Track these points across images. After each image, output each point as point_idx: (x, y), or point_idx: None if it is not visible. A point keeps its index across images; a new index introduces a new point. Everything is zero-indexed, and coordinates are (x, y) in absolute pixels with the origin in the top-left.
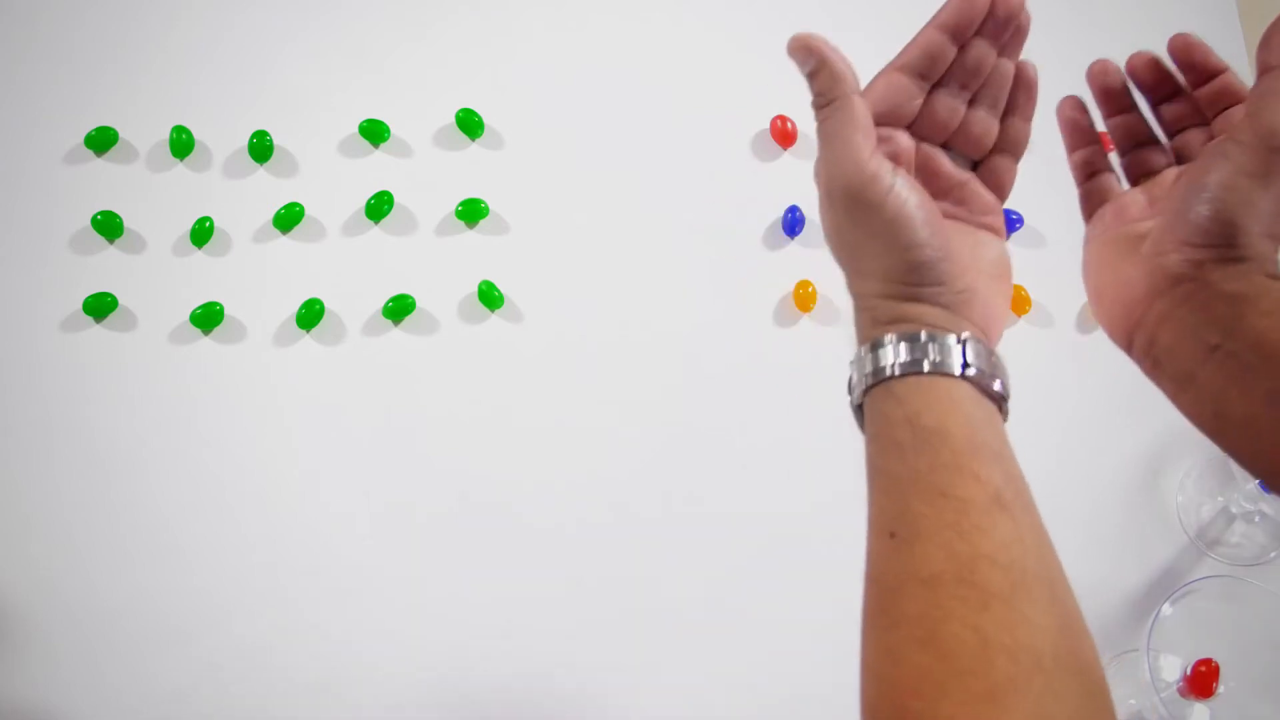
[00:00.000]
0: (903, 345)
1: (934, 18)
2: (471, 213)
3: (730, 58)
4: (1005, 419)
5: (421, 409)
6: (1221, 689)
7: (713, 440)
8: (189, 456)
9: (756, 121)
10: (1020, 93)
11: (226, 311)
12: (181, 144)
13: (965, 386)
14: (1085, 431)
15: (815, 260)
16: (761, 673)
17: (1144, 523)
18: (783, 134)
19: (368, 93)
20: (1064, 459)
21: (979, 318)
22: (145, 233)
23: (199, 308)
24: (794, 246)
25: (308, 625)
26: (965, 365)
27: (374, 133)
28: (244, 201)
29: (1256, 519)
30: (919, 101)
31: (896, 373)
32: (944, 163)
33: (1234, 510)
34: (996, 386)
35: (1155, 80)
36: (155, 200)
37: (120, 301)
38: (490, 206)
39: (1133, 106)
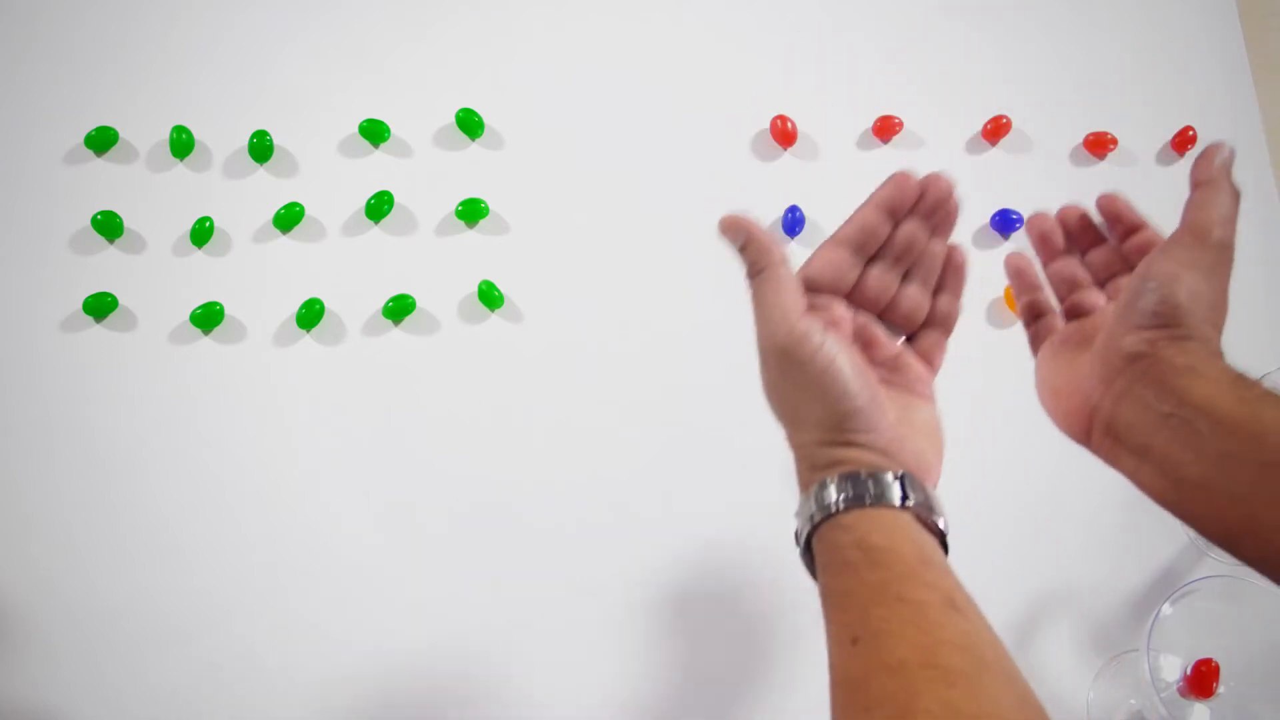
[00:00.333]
0: (844, 484)
1: (870, 197)
2: (471, 213)
3: (730, 58)
4: (946, 554)
5: (421, 409)
6: (1221, 689)
7: (713, 440)
8: (189, 456)
9: (756, 121)
10: (950, 273)
11: (226, 311)
12: (181, 144)
13: (907, 516)
14: None
15: None
16: (762, 671)
17: (1144, 523)
18: (783, 134)
19: (368, 93)
20: (1064, 459)
21: (912, 463)
22: (145, 233)
23: (199, 308)
24: (794, 246)
25: (308, 625)
26: (905, 497)
27: (374, 133)
28: (244, 201)
29: None
30: (855, 274)
31: (841, 507)
32: (878, 333)
33: None
34: (940, 523)
35: (1083, 230)
36: (155, 200)
37: (120, 301)
38: (490, 206)
39: (1068, 253)
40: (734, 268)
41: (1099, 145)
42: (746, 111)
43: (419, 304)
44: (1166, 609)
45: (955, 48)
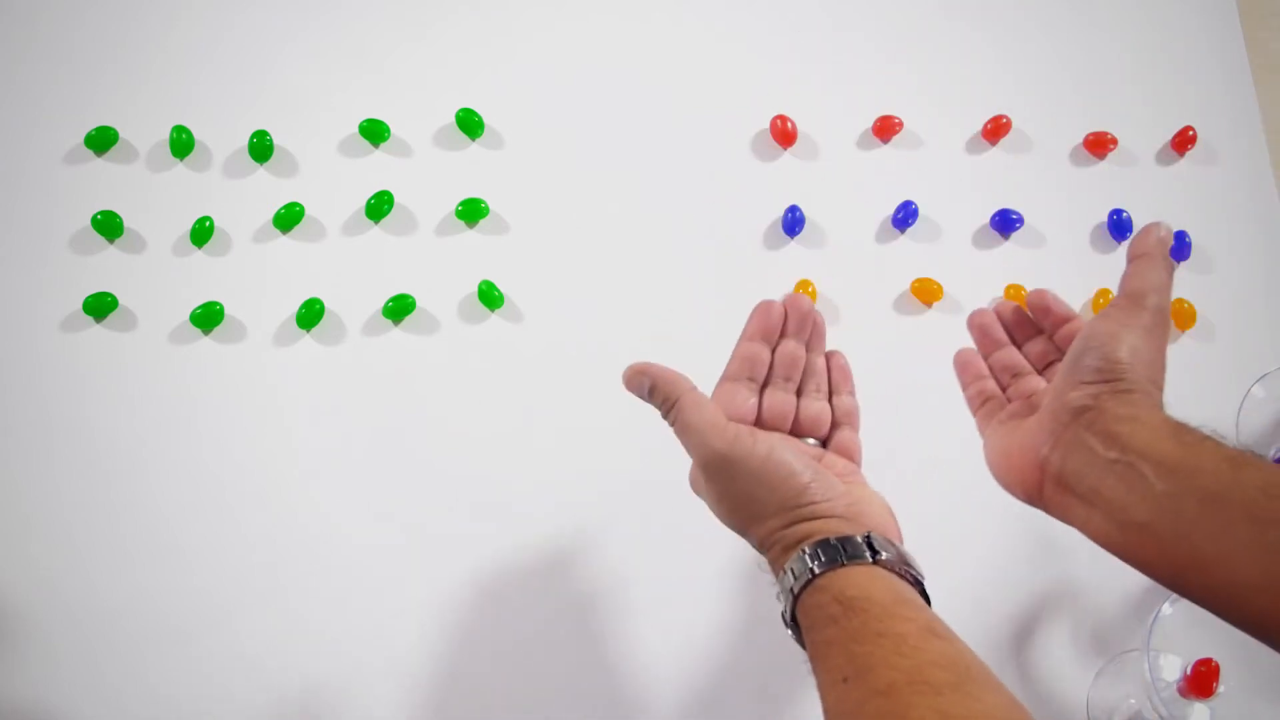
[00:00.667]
0: (816, 551)
1: (743, 331)
2: (471, 213)
3: (730, 58)
4: (928, 603)
5: (421, 409)
6: (1221, 689)
7: None
8: (189, 456)
9: (756, 121)
10: (836, 375)
11: (226, 311)
12: (181, 144)
13: (879, 569)
14: None
15: (815, 260)
16: (764, 670)
17: None
18: (783, 134)
19: (368, 93)
20: None
21: (875, 524)
22: (145, 233)
23: (199, 308)
24: (794, 246)
25: (307, 625)
26: (875, 554)
27: (374, 133)
28: (244, 201)
29: None
30: (754, 402)
31: (818, 572)
32: (798, 446)
33: None
34: (914, 573)
35: (1019, 323)
36: (155, 200)
37: (120, 301)
38: (490, 206)
39: (1007, 344)
40: (735, 267)
41: (1099, 145)
42: (746, 111)
43: (419, 304)
44: (1166, 609)
45: (955, 48)
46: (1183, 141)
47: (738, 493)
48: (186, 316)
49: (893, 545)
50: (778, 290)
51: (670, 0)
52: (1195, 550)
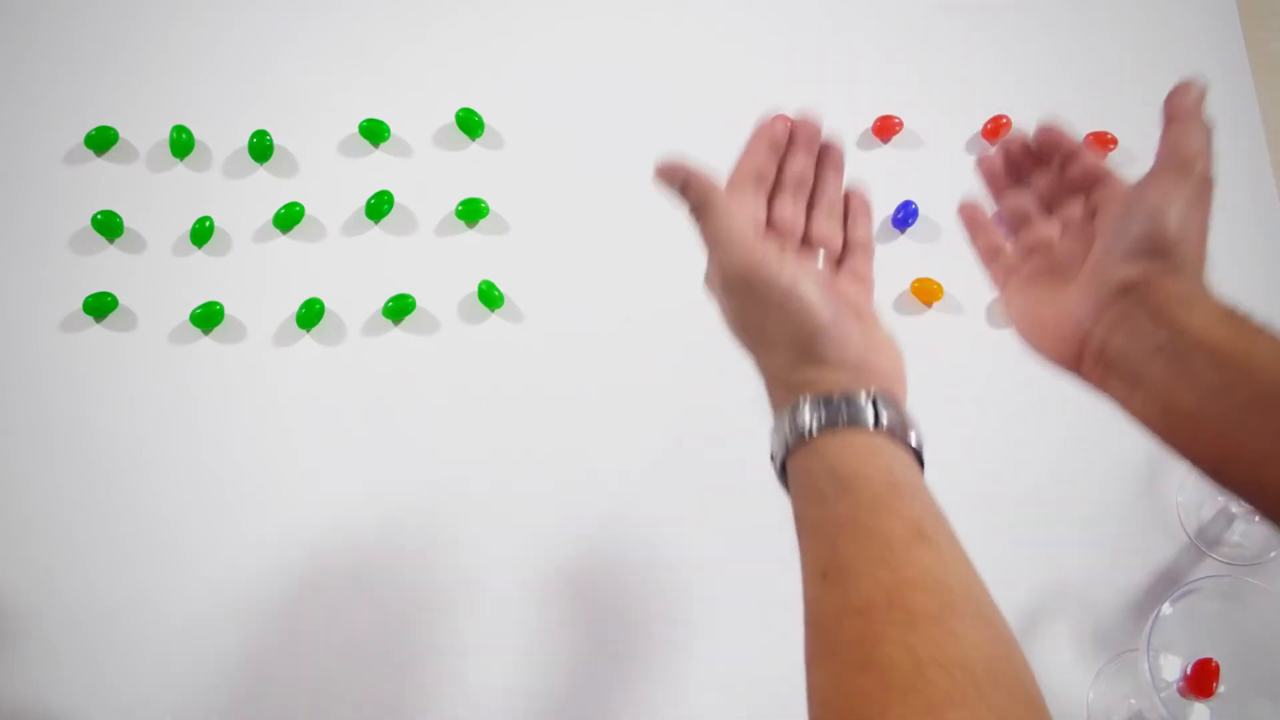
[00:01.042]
0: (818, 406)
1: (744, 147)
2: (471, 213)
3: (730, 58)
4: (922, 469)
5: (422, 409)
6: (1221, 689)
7: (715, 439)
8: (189, 456)
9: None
10: (855, 204)
11: (226, 311)
12: (181, 144)
13: (880, 438)
14: (1085, 431)
15: None
16: (764, 675)
17: (1144, 523)
18: None
19: (368, 93)
20: (1064, 459)
21: (882, 378)
22: (145, 233)
23: (199, 308)
24: None
25: (307, 626)
26: (877, 419)
27: (374, 133)
28: (244, 201)
29: (1256, 519)
30: (763, 211)
31: (814, 431)
32: (805, 257)
33: (1234, 510)
34: (911, 440)
35: (1026, 157)
36: (155, 200)
37: (120, 301)
38: (490, 206)
39: (1017, 187)
40: None
41: (1099, 145)
42: (747, 111)
43: (419, 304)
44: (1166, 609)
45: (955, 48)
46: None
47: (753, 316)
48: (186, 316)
49: (896, 408)
50: None
51: (670, 0)
52: (1241, 446)
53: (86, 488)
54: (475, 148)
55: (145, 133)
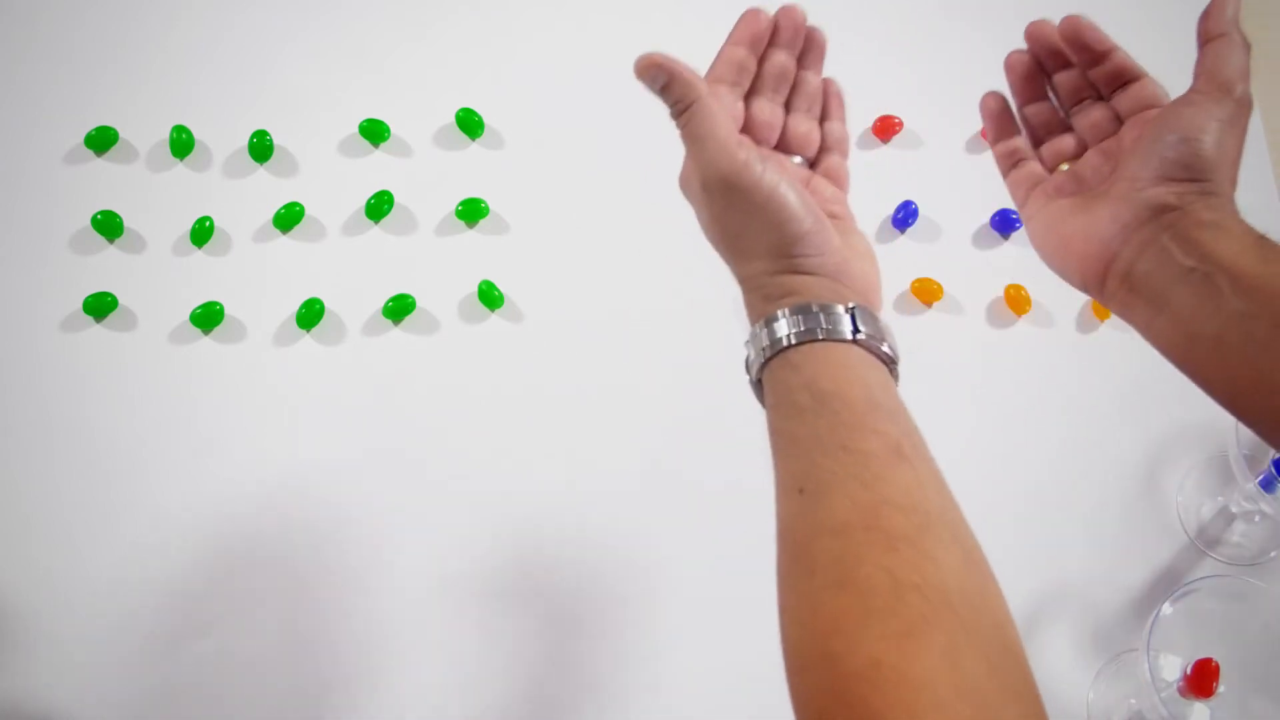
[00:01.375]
0: (796, 317)
1: (727, 38)
2: (471, 213)
3: None
4: (896, 380)
5: (421, 408)
6: (1221, 689)
7: (715, 441)
8: (189, 456)
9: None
10: (831, 100)
11: (226, 311)
12: (181, 144)
13: (857, 351)
14: (1085, 431)
15: None
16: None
17: (1144, 523)
18: None
19: (368, 93)
20: (1064, 459)
21: (859, 286)
22: (145, 233)
23: (199, 308)
24: None
25: (308, 625)
26: (856, 331)
27: (374, 133)
28: (244, 201)
29: (1256, 519)
30: (740, 109)
31: (792, 342)
32: (784, 162)
33: (1234, 510)
34: (885, 349)
35: (1052, 54)
36: (155, 200)
37: (120, 301)
38: (490, 206)
39: (1045, 96)
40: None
41: None
42: None
43: (419, 304)
44: (1166, 609)
45: (955, 48)
46: None
47: (731, 222)
48: (186, 316)
49: (874, 319)
50: None
51: (670, 0)
52: (1262, 375)
53: (86, 488)
54: (475, 148)
55: (145, 133)
